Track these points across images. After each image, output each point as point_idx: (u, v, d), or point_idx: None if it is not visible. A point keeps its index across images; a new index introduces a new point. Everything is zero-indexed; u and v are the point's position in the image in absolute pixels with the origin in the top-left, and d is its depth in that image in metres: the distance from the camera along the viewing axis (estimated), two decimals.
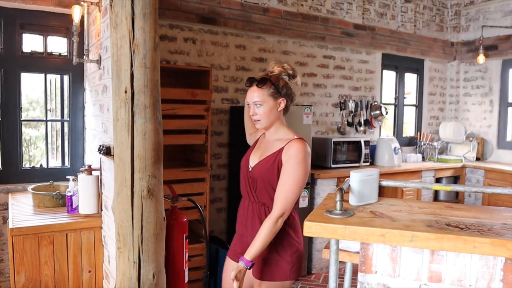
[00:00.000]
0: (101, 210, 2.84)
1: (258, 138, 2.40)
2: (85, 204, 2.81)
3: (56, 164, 3.85)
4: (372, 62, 5.48)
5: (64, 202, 3.05)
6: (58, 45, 3.76)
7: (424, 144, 5.93)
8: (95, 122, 3.32)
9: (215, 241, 3.91)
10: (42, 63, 3.64)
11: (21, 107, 3.60)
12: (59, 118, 3.81)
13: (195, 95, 3.47)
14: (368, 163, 4.95)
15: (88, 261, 2.81)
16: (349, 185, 1.82)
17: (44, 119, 3.79)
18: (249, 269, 2.02)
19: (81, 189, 2.82)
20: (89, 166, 2.85)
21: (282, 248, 2.16)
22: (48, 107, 3.81)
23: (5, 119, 3.54)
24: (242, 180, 2.29)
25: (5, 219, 3.52)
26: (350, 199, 1.81)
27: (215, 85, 4.20)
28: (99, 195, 2.84)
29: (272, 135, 2.24)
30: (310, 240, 4.37)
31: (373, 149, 5.20)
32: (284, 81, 2.17)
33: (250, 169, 2.24)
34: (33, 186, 3.26)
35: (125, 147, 2.39)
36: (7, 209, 3.52)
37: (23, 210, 3.00)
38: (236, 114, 4.28)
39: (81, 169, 2.88)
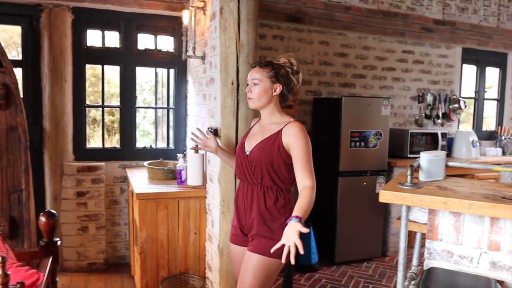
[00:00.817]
0: (206, 182, 3.37)
1: (251, 127, 2.47)
2: (192, 177, 3.36)
3: (163, 145, 4.49)
4: (451, 57, 5.61)
5: (174, 176, 3.64)
6: (166, 43, 4.36)
7: (505, 138, 5.94)
8: (198, 109, 3.86)
9: None
10: (153, 58, 4.26)
11: (136, 96, 4.26)
12: (166, 106, 4.44)
13: None
14: None
15: (194, 225, 3.37)
16: (419, 164, 2.15)
17: (154, 106, 4.45)
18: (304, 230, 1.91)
19: (189, 164, 3.37)
20: (196, 146, 3.40)
21: (276, 227, 2.21)
22: (157, 96, 4.46)
23: (123, 106, 4.21)
24: (239, 164, 2.35)
25: (122, 190, 4.21)
26: (419, 176, 2.15)
27: None
28: (204, 170, 3.37)
29: (267, 119, 2.32)
30: (385, 224, 4.67)
31: (450, 142, 5.34)
32: (285, 71, 2.28)
33: (247, 153, 2.29)
34: (147, 162, 3.89)
35: (230, 129, 2.90)
36: (124, 181, 4.20)
37: (141, 181, 3.62)
38: (319, 105, 4.67)
39: (190, 147, 3.43)
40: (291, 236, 1.86)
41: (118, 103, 4.30)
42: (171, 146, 4.41)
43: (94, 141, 6.31)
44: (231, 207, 2.91)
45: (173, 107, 4.37)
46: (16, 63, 3.83)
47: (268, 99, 2.27)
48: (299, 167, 2.13)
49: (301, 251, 1.85)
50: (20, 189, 3.31)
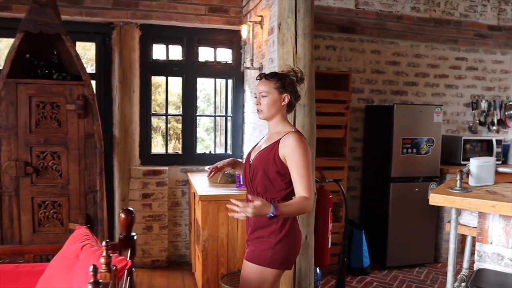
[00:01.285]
0: None
1: (262, 138, 2.51)
2: None
3: (221, 151, 4.76)
4: (507, 62, 5.55)
5: (233, 180, 3.88)
6: (224, 55, 4.64)
7: None
8: (254, 117, 4.10)
9: (350, 224, 4.46)
10: (212, 69, 4.55)
11: (197, 105, 4.57)
12: (224, 114, 4.71)
13: (337, 95, 4.11)
14: (500, 162, 5.08)
15: None
16: (469, 169, 2.27)
17: (213, 114, 4.74)
18: (269, 215, 1.98)
19: None
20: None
21: (267, 235, 2.24)
22: (216, 105, 4.75)
23: (185, 114, 4.52)
24: (244, 174, 2.41)
25: (183, 193, 4.51)
26: (469, 181, 2.27)
27: (352, 87, 4.74)
28: None
29: (272, 128, 2.35)
30: (437, 230, 4.71)
31: (506, 149, 5.28)
32: (290, 80, 2.32)
33: (250, 162, 2.35)
34: (208, 167, 4.15)
35: None
36: (185, 184, 4.50)
37: (202, 184, 3.88)
38: (371, 113, 4.79)
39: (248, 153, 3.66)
40: (255, 209, 1.92)
41: (177, 112, 4.61)
42: (229, 152, 4.68)
43: (154, 147, 6.71)
44: None
45: (231, 115, 4.63)
46: (90, 76, 4.21)
47: (277, 110, 2.31)
48: (296, 180, 2.16)
49: (237, 215, 1.96)
50: (95, 190, 3.66)
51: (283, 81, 2.31)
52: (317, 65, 4.64)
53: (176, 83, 4.90)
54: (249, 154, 2.44)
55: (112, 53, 4.26)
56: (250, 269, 2.29)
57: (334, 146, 4.41)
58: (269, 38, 3.47)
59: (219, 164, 2.62)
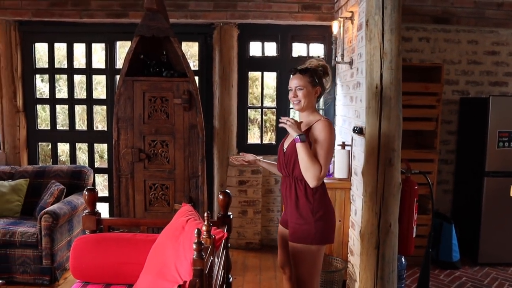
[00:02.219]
0: (351, 175, 3.76)
1: None
2: (339, 171, 3.78)
3: None
4: None
5: None
6: (317, 50, 4.84)
7: None
8: (345, 110, 4.26)
9: (439, 217, 4.46)
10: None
11: None
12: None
13: (427, 88, 4.12)
14: None
15: (340, 213, 3.78)
16: None
17: None
18: (297, 136, 2.42)
19: (336, 159, 3.79)
20: (343, 143, 3.81)
21: (306, 213, 2.52)
22: None
23: (279, 107, 4.82)
24: (279, 161, 2.68)
25: (276, 181, 4.81)
26: None
27: (446, 78, 4.68)
28: (350, 164, 3.76)
29: (305, 118, 2.62)
30: None
31: None
32: (319, 74, 2.64)
33: (284, 151, 2.62)
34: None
35: (374, 128, 3.23)
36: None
37: None
38: (466, 105, 4.69)
39: (337, 144, 3.84)
40: (294, 124, 2.46)
41: (273, 104, 4.90)
42: None
43: (250, 138, 7.12)
44: (373, 197, 3.25)
45: (322, 108, 4.83)
46: (194, 73, 4.66)
47: (310, 101, 2.61)
48: (316, 156, 2.46)
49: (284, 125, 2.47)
50: (197, 176, 4.09)
51: (315, 76, 2.62)
52: (409, 58, 4.65)
53: (272, 77, 5.19)
54: (282, 144, 2.74)
55: (213, 51, 4.66)
56: (298, 250, 2.56)
57: (424, 139, 4.41)
58: (358, 34, 3.61)
59: (245, 158, 2.97)
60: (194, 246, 1.73)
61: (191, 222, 2.45)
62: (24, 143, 4.83)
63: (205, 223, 1.98)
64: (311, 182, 2.49)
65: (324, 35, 4.68)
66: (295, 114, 4.88)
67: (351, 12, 3.99)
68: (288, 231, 2.66)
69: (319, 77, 2.67)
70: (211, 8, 4.51)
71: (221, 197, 2.94)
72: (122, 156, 4.06)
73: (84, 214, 2.95)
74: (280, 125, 2.53)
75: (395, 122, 3.18)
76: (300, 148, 2.45)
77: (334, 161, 3.89)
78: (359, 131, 3.41)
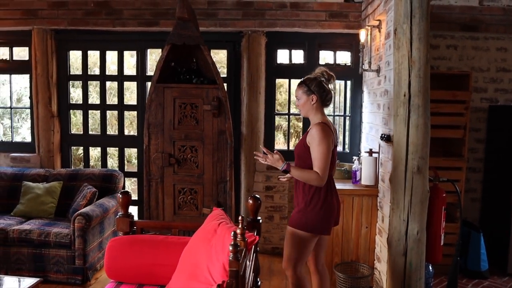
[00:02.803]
0: (378, 182, 3.78)
1: None
2: (366, 177, 3.80)
3: (338, 149, 5.01)
4: None
5: (349, 176, 4.13)
6: (343, 57, 4.88)
7: None
8: (372, 117, 4.28)
9: (467, 225, 4.42)
10: (332, 71, 4.79)
11: None
12: (342, 113, 4.95)
13: (455, 95, 4.11)
14: None
15: (366, 220, 3.80)
16: None
17: (332, 114, 5.01)
18: (281, 169, 2.88)
19: (364, 166, 3.82)
20: (370, 150, 3.84)
21: (303, 204, 2.91)
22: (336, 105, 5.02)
23: None
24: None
25: None
26: None
27: (474, 86, 4.66)
28: (377, 171, 3.79)
29: (312, 121, 2.97)
30: None
31: None
32: (318, 81, 2.95)
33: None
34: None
35: (402, 136, 3.26)
36: None
37: None
38: (496, 113, 4.65)
39: (364, 151, 3.88)
40: (274, 159, 2.90)
41: (298, 111, 4.95)
42: (346, 149, 4.91)
43: (276, 144, 7.17)
44: (400, 204, 3.27)
45: (349, 114, 4.86)
46: (223, 80, 4.76)
47: (309, 108, 2.96)
48: (313, 160, 2.82)
49: (262, 160, 2.97)
50: (225, 181, 4.17)
51: (308, 86, 2.95)
52: (436, 65, 4.65)
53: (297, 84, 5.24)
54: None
55: (241, 59, 4.75)
56: (289, 232, 2.96)
57: (452, 146, 4.39)
58: (386, 42, 3.64)
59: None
60: (231, 248, 1.80)
61: (223, 226, 2.52)
62: (58, 147, 4.99)
63: (240, 226, 2.04)
64: (318, 185, 2.85)
65: (351, 43, 4.72)
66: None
67: (379, 20, 4.03)
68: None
69: (316, 85, 2.97)
70: (240, 17, 4.61)
71: (250, 201, 3.01)
72: (153, 160, 4.17)
73: (118, 216, 3.05)
74: (257, 158, 3.01)
75: (423, 130, 3.20)
76: (293, 173, 2.90)
77: (361, 168, 3.92)
78: (386, 138, 3.44)
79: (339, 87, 5.01)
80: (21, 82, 7.55)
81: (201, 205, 4.21)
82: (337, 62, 4.83)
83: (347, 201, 3.79)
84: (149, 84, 4.94)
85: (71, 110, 5.12)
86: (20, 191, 4.51)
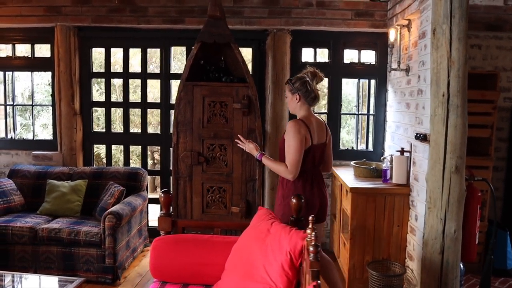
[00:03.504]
0: (409, 181, 3.80)
1: None
2: (398, 176, 3.82)
3: (362, 147, 5.04)
4: None
5: (377, 174, 4.14)
6: (367, 56, 4.89)
7: None
8: (398, 116, 4.30)
9: (493, 223, 4.45)
10: (356, 70, 4.83)
11: (341, 104, 4.89)
12: (366, 112, 4.97)
13: (484, 95, 4.14)
14: None
15: (398, 218, 3.82)
16: None
17: (356, 112, 5.03)
18: (256, 157, 3.22)
19: (395, 165, 3.84)
20: (402, 149, 3.86)
21: (279, 199, 3.17)
22: (357, 104, 5.03)
23: (330, 112, 4.88)
24: None
25: (327, 185, 4.85)
26: None
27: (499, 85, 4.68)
28: (408, 170, 3.81)
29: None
30: None
31: None
32: (302, 81, 3.07)
33: None
34: (353, 162, 4.46)
35: (440, 135, 3.28)
36: (328, 178, 4.85)
37: (348, 177, 4.20)
38: None
39: (395, 150, 3.90)
40: (249, 147, 3.28)
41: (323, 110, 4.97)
42: (370, 148, 4.93)
43: None
44: (438, 203, 3.29)
45: (373, 113, 4.87)
46: None
47: (294, 106, 3.15)
48: (285, 154, 3.02)
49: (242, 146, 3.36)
50: (254, 179, 4.17)
51: (293, 85, 3.10)
52: None
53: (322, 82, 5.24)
54: None
55: (266, 57, 4.75)
56: None
57: (478, 146, 4.42)
58: (419, 42, 3.65)
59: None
60: (311, 249, 1.81)
61: (277, 225, 2.53)
62: (80, 145, 4.97)
63: (310, 225, 2.05)
64: (287, 178, 3.07)
65: (376, 42, 4.74)
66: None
67: (408, 20, 4.04)
68: None
69: (300, 84, 3.09)
70: (265, 15, 4.60)
71: (294, 200, 3.01)
72: (181, 159, 4.16)
73: (160, 216, 3.05)
74: (239, 145, 3.36)
75: (461, 129, 3.22)
76: (264, 162, 3.19)
77: (392, 167, 3.93)
78: (423, 137, 3.45)
79: (362, 86, 5.03)
80: (35, 79, 7.50)
81: (229, 204, 4.21)
82: (361, 61, 4.84)
83: (379, 200, 3.81)
84: (173, 82, 4.94)
85: (93, 108, 5.08)
86: (44, 190, 4.49)
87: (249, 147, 3.30)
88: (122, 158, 7.48)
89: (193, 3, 4.63)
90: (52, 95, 4.97)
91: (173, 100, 4.85)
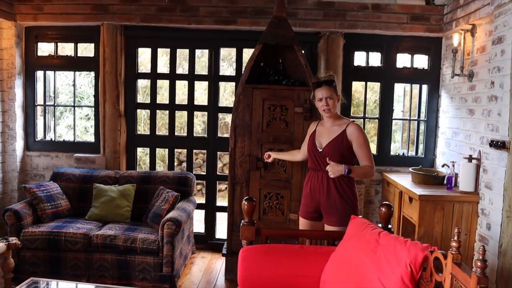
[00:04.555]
0: (478, 188, 3.74)
1: (315, 130, 3.29)
2: (465, 183, 3.77)
3: (412, 153, 4.97)
4: None
5: (439, 181, 4.08)
6: (420, 61, 4.83)
7: None
8: (456, 122, 4.26)
9: None
10: (409, 75, 4.77)
11: (393, 109, 4.82)
12: (416, 118, 4.91)
13: None
14: None
15: (466, 227, 3.76)
16: None
17: (408, 118, 4.97)
18: (345, 172, 2.97)
19: (462, 172, 3.78)
20: (470, 156, 3.80)
21: (345, 201, 3.12)
22: (406, 110, 4.96)
23: (382, 117, 4.80)
24: (313, 159, 3.20)
25: (376, 191, 4.80)
26: None
27: None
28: (476, 177, 3.75)
29: (331, 122, 3.19)
30: None
31: None
32: (336, 84, 3.18)
33: (320, 150, 3.14)
34: (411, 168, 4.37)
35: None
36: (378, 184, 4.79)
37: (407, 184, 4.12)
38: None
39: (463, 157, 3.84)
40: (336, 168, 2.98)
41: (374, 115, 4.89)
42: (419, 154, 4.87)
43: None
44: None
45: (425, 119, 4.81)
46: None
47: (336, 107, 3.20)
48: (361, 156, 3.09)
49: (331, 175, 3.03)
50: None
51: (335, 87, 3.17)
52: None
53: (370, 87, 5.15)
54: (312, 143, 3.23)
55: (318, 60, 4.66)
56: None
57: None
58: (493, 47, 3.58)
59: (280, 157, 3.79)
60: (479, 264, 1.71)
61: (386, 236, 2.43)
62: (124, 147, 4.82)
63: (456, 238, 1.97)
64: (372, 176, 3.29)
65: (429, 47, 4.68)
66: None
67: (473, 25, 3.99)
68: (329, 217, 3.17)
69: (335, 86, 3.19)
70: (320, 17, 4.51)
71: (383, 209, 2.92)
72: (239, 164, 4.05)
73: (243, 224, 2.93)
74: (330, 174, 3.06)
75: None
76: (356, 172, 3.07)
77: (455, 174, 3.89)
78: (501, 145, 3.39)
79: (411, 91, 4.97)
80: (63, 79, 7.34)
81: (287, 211, 4.11)
82: (414, 66, 4.77)
83: (447, 207, 3.74)
84: (222, 84, 4.83)
85: (138, 110, 4.94)
86: (90, 194, 4.34)
87: (334, 169, 3.01)
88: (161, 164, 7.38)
89: (246, 3, 4.52)
90: (96, 96, 4.81)
91: (221, 103, 4.73)
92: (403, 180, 4.30)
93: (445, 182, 4.03)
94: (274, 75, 4.13)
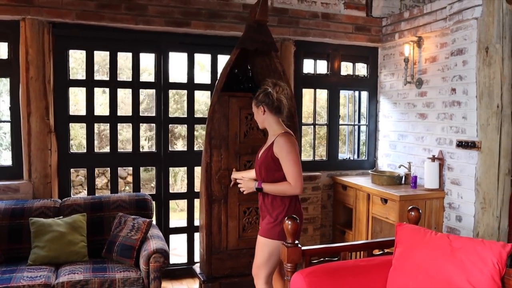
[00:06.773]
0: (442, 185, 4.09)
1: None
2: (430, 181, 4.09)
3: (355, 157, 5.19)
4: None
5: (400, 182, 4.34)
6: (361, 69, 5.09)
7: None
8: (404, 126, 4.60)
9: None
10: (351, 82, 4.97)
11: (340, 115, 4.96)
12: (357, 123, 5.16)
13: None
14: None
15: (435, 220, 4.07)
16: None
17: (353, 123, 5.16)
18: (256, 189, 2.94)
19: (427, 171, 4.09)
20: (433, 156, 4.13)
21: (273, 213, 2.93)
22: (345, 114, 5.17)
23: (330, 123, 4.90)
24: (255, 169, 3.09)
25: (329, 196, 4.88)
26: None
27: None
28: (440, 175, 4.10)
29: (270, 131, 3.03)
30: None
31: None
32: (265, 93, 2.95)
33: (258, 158, 3.04)
34: (371, 170, 4.57)
35: (494, 142, 3.64)
36: (330, 188, 4.87)
37: (371, 185, 4.29)
38: None
39: (428, 157, 4.15)
40: (246, 185, 3.07)
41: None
42: (362, 157, 5.12)
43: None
44: (493, 203, 3.65)
45: (366, 123, 5.07)
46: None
47: (262, 119, 3.01)
48: (284, 171, 2.85)
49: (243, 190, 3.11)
50: None
51: (256, 98, 3.00)
52: None
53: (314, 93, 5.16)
54: (257, 154, 3.11)
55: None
56: (262, 241, 2.96)
57: None
58: (452, 58, 3.95)
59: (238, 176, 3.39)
60: None
61: (457, 239, 2.48)
62: (55, 170, 3.96)
63: None
64: (295, 194, 2.89)
65: (368, 56, 4.95)
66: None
67: (419, 37, 4.36)
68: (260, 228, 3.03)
69: (263, 96, 2.96)
70: (275, 23, 4.39)
71: (412, 213, 2.95)
72: (218, 180, 3.69)
73: (288, 247, 2.66)
74: (241, 188, 3.19)
75: None
76: (267, 190, 2.91)
77: (423, 173, 4.20)
78: (471, 145, 3.76)
79: (348, 97, 5.20)
80: None
81: None
82: (355, 73, 5.00)
83: (420, 205, 3.99)
84: (171, 91, 4.34)
85: (70, 124, 4.09)
86: (26, 232, 3.46)
87: (245, 185, 3.10)
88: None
89: (200, 5, 4.15)
90: (12, 108, 3.85)
91: (171, 113, 4.24)
92: (364, 182, 4.47)
93: (405, 181, 4.33)
94: (247, 82, 3.87)
